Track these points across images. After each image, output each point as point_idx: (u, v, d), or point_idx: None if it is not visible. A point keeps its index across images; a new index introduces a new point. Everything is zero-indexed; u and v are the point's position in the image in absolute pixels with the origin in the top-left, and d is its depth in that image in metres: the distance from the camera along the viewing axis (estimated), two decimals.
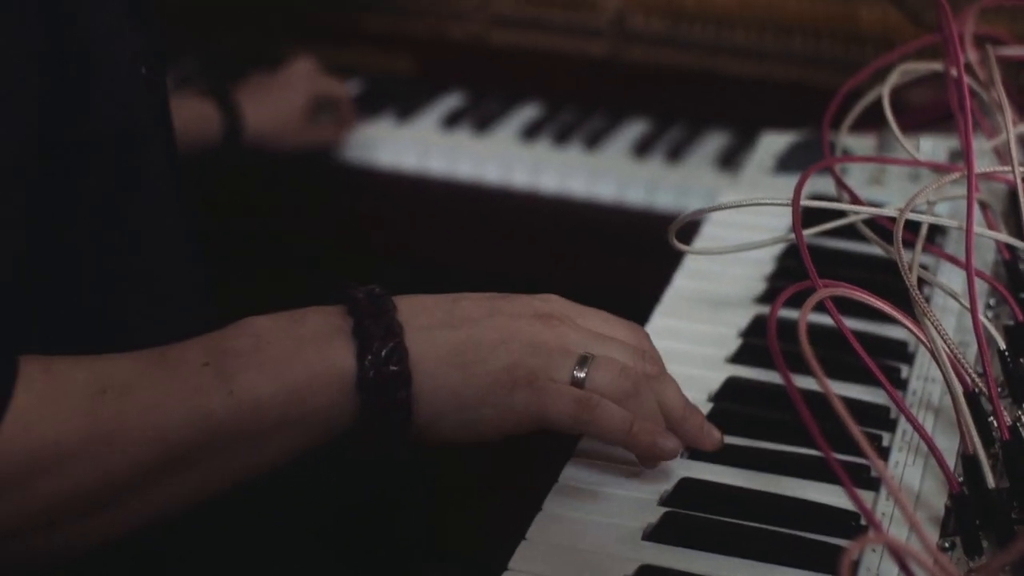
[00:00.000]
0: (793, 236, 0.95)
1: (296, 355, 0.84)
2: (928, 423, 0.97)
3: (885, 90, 1.17)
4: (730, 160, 1.73)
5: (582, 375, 0.88)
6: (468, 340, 0.87)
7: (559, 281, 1.75)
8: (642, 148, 1.76)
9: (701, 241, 1.23)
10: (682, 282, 1.17)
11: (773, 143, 1.46)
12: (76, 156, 0.92)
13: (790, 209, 0.95)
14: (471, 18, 1.94)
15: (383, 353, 0.84)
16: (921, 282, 0.96)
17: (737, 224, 1.25)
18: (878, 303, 0.87)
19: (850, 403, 0.83)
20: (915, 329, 0.89)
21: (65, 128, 0.91)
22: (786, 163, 1.38)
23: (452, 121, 1.83)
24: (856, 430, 0.71)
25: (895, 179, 1.34)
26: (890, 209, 1.01)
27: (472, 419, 0.86)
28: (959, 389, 0.88)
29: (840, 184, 1.12)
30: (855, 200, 1.10)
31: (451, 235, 1.75)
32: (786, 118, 1.78)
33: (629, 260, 1.66)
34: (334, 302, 0.87)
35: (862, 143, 1.39)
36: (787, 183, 1.33)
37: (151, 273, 1.03)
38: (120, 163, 0.96)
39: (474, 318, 0.88)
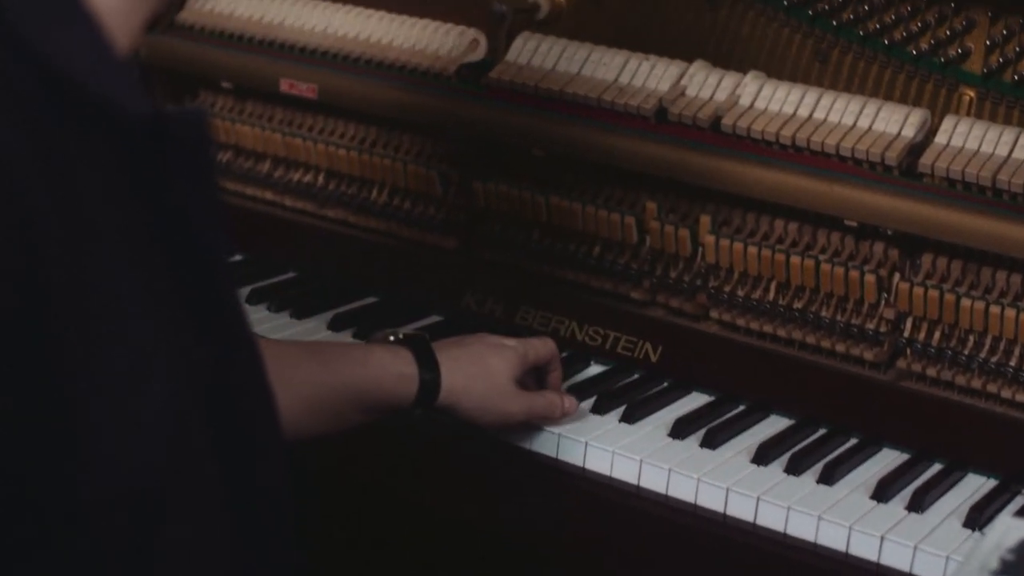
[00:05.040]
0: None
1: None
2: None
3: None
4: (982, 514, 1.51)
5: None
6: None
7: None
8: (884, 489, 1.55)
9: None
10: None
11: (1006, 529, 1.25)
12: (70, 523, 0.80)
13: None
14: (724, 308, 1.79)
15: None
16: None
17: None
18: None
19: None
20: None
21: (46, 499, 0.78)
22: (1010, 566, 1.17)
23: (681, 428, 1.66)
24: None
25: None
26: None
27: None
28: None
29: None
30: None
31: (654, 561, 1.58)
32: None
33: None
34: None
35: None
36: None
37: None
38: (135, 517, 0.83)
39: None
